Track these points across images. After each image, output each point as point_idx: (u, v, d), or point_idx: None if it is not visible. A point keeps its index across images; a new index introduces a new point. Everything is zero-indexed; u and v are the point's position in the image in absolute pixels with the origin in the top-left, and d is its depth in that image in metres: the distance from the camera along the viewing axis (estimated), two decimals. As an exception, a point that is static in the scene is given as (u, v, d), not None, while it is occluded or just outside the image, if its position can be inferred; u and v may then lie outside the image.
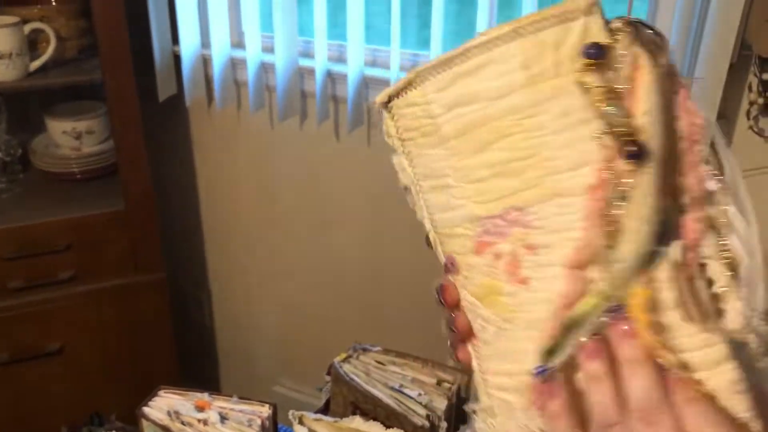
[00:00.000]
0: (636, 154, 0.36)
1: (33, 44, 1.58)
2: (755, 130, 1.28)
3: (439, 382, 1.00)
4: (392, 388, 0.97)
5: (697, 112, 0.38)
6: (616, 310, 0.38)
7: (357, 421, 0.91)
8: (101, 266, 1.68)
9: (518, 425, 0.43)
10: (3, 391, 1.68)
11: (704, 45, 1.22)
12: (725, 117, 1.30)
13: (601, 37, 0.37)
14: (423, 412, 0.93)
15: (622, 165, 0.37)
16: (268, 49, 1.65)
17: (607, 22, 0.38)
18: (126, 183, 1.62)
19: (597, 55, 0.37)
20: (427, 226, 0.46)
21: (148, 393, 0.98)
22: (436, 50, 1.44)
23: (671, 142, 0.38)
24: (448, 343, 0.48)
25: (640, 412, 0.37)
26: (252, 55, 1.63)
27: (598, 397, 0.38)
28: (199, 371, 2.24)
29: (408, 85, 0.42)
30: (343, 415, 0.96)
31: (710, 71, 1.21)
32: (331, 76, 1.61)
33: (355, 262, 1.83)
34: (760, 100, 1.22)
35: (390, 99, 0.44)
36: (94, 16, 1.48)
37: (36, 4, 1.59)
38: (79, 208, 1.64)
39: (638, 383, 0.37)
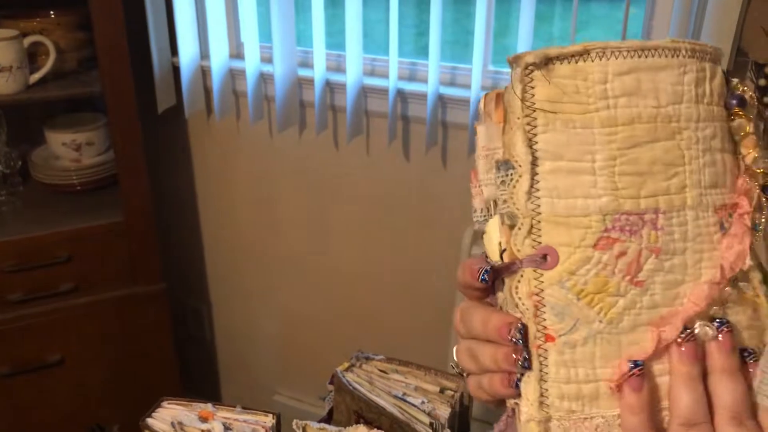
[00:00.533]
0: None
1: (32, 57, 1.58)
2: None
3: (442, 390, 1.00)
4: (395, 397, 0.97)
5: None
6: (721, 323, 0.41)
7: (361, 429, 0.91)
8: (101, 278, 1.68)
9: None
10: (4, 404, 1.67)
11: (701, 51, 1.23)
12: (723, 123, 1.30)
13: (723, 89, 0.43)
14: (426, 420, 0.93)
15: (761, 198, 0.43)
16: (267, 60, 1.66)
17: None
18: (126, 194, 1.63)
19: (740, 104, 0.43)
20: (522, 209, 0.42)
21: (149, 404, 0.98)
22: (434, 59, 1.44)
23: None
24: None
25: (731, 412, 0.39)
26: (251, 65, 1.64)
27: (692, 395, 0.40)
28: (199, 382, 2.23)
29: (583, 54, 0.41)
30: (346, 425, 0.96)
31: (707, 77, 1.22)
32: (329, 86, 1.62)
33: (354, 270, 1.84)
34: (758, 107, 1.22)
35: (547, 62, 0.41)
36: (93, 28, 1.49)
37: (35, 17, 1.60)
38: (79, 219, 1.64)
39: (729, 387, 0.40)
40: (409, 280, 1.76)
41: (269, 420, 0.96)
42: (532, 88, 0.41)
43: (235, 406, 0.97)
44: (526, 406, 0.42)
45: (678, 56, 0.41)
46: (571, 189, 0.41)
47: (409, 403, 0.96)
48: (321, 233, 1.84)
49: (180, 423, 0.94)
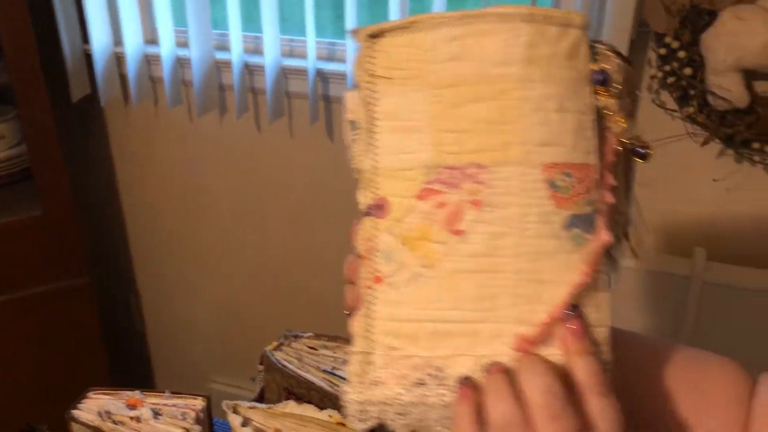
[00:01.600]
0: (642, 154, 0.48)
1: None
2: (657, 102, 1.35)
3: (370, 362, 1.02)
4: (324, 371, 0.99)
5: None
6: (574, 309, 0.44)
7: (291, 406, 0.93)
8: (23, 274, 1.63)
9: (396, 374, 0.45)
10: (-76, 411, 1.61)
11: (606, 24, 1.28)
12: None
13: (585, 53, 0.45)
14: (356, 391, 0.95)
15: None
16: (183, 44, 1.63)
17: (592, 43, 0.45)
18: (42, 187, 1.58)
19: (602, 81, 0.45)
20: (364, 164, 0.47)
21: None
22: (351, 38, 1.45)
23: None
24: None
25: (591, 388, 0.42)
26: (166, 50, 1.61)
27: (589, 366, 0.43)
28: (133, 375, 2.20)
29: (410, 26, 0.45)
30: (277, 402, 0.97)
31: (612, 48, 1.27)
32: (248, 68, 1.61)
33: (284, 252, 1.84)
34: (660, 74, 1.29)
35: (382, 34, 0.46)
36: (-4, 16, 1.43)
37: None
38: (-6, 215, 1.59)
39: (584, 367, 0.43)
40: (338, 258, 1.77)
41: (199, 403, 0.96)
42: (373, 57, 0.46)
43: (164, 392, 0.97)
44: (355, 339, 0.47)
45: (508, 22, 0.43)
46: (401, 146, 0.45)
47: (338, 376, 0.98)
48: (247, 216, 1.83)
49: (107, 412, 0.93)
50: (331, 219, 1.74)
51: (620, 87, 0.45)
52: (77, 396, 0.98)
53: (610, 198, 0.44)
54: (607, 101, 0.45)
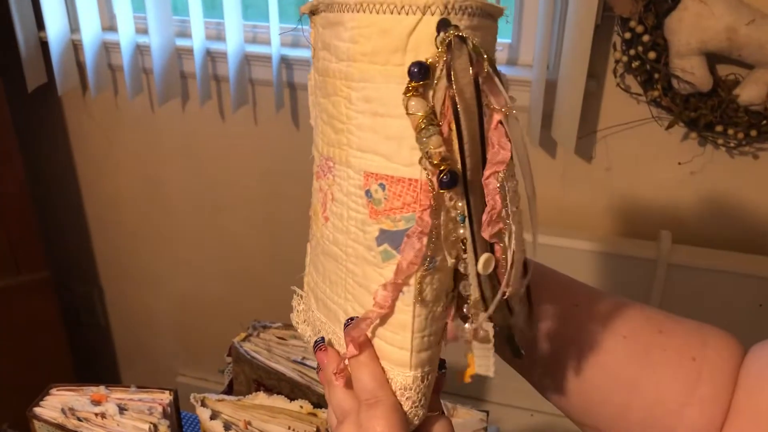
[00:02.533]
0: (446, 182, 0.37)
1: None
2: (622, 86, 1.35)
3: (340, 351, 1.01)
4: (294, 361, 0.98)
5: (504, 143, 0.38)
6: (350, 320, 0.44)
7: (260, 397, 0.91)
8: (-22, 270, 1.58)
9: (304, 319, 0.55)
10: None
11: (570, 9, 1.28)
12: (595, 76, 1.37)
13: (426, 46, 0.36)
14: (326, 381, 0.94)
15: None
16: (142, 31, 1.59)
17: (441, 27, 0.36)
18: (-2, 179, 1.53)
19: (420, 76, 0.36)
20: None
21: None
22: (315, 24, 1.43)
23: (474, 170, 0.38)
24: None
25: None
26: (125, 37, 1.56)
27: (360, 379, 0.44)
28: (97, 371, 2.16)
29: (332, 4, 0.41)
30: (246, 394, 0.96)
31: (578, 34, 1.27)
32: (210, 55, 1.58)
33: (249, 242, 1.81)
34: (624, 58, 1.29)
35: (317, 11, 0.43)
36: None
37: None
38: (-53, 209, 1.54)
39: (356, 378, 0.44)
40: (304, 246, 1.76)
41: (166, 397, 0.94)
42: (311, 35, 0.46)
43: (129, 386, 0.95)
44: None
45: (349, 11, 0.38)
46: (317, 127, 0.47)
47: (309, 366, 0.97)
48: (211, 206, 1.80)
49: (71, 409, 0.90)
50: (297, 207, 1.71)
51: (453, 81, 0.36)
52: (38, 394, 0.95)
53: (426, 219, 0.38)
54: (433, 100, 0.37)
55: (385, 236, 0.40)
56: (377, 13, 0.37)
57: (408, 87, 0.37)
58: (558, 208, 1.51)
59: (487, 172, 0.38)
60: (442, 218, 0.39)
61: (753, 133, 1.25)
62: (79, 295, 2.04)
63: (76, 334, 1.91)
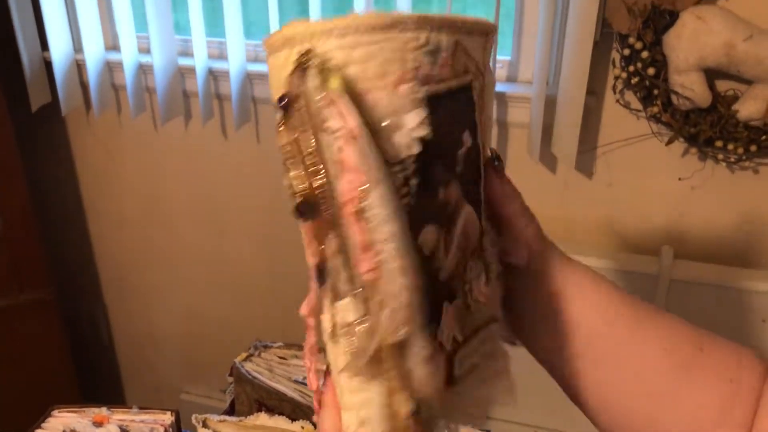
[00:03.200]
0: (300, 212, 0.38)
1: None
2: (622, 103, 1.36)
3: (342, 370, 1.01)
4: (296, 381, 0.98)
5: (356, 167, 0.35)
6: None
7: (262, 418, 0.91)
8: (-18, 289, 1.59)
9: None
10: None
11: (569, 26, 1.29)
12: (595, 92, 1.37)
13: (288, 75, 0.36)
14: (328, 401, 0.94)
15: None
16: (145, 50, 1.60)
17: (302, 56, 0.35)
18: (2, 199, 1.54)
19: (283, 109, 0.36)
20: None
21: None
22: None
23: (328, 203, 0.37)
24: None
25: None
26: (128, 57, 1.58)
27: None
28: (101, 389, 2.16)
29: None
30: (248, 414, 0.96)
31: (577, 50, 1.28)
32: (212, 74, 1.59)
33: (252, 260, 1.82)
34: (624, 74, 1.30)
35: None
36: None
37: None
38: (-48, 229, 1.55)
39: None
40: (306, 265, 1.76)
41: (168, 418, 0.94)
42: None
43: (131, 407, 0.95)
44: None
45: (272, 54, 0.37)
46: None
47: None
48: (215, 225, 1.81)
49: (73, 431, 0.91)
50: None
51: (301, 109, 0.35)
52: (42, 413, 0.95)
53: (311, 261, 0.41)
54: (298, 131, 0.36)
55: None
56: (270, 54, 0.37)
57: (278, 122, 0.36)
58: (559, 223, 1.52)
59: (342, 201, 0.36)
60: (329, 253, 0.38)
61: (753, 148, 1.26)
62: (82, 313, 2.04)
63: (79, 352, 1.91)
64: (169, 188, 1.80)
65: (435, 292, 0.40)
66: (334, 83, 0.35)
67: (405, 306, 0.35)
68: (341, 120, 0.35)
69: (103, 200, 1.89)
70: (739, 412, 0.47)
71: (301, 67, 0.35)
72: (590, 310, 0.49)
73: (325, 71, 0.35)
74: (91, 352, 2.08)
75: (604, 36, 1.32)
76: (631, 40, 1.25)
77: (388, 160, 0.36)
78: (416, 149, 0.37)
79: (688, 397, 0.47)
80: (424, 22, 0.38)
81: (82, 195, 1.90)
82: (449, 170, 0.42)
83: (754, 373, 0.48)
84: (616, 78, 1.33)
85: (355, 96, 0.35)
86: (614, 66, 1.33)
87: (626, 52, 1.27)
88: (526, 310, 0.51)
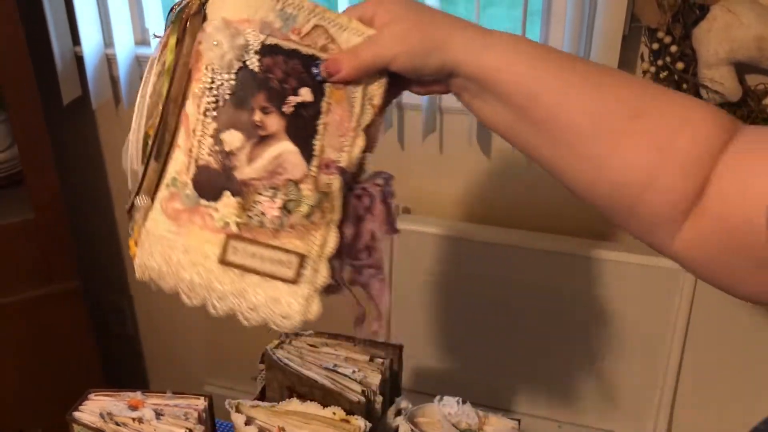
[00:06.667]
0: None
1: None
2: (650, 97, 1.36)
3: (371, 359, 1.01)
4: (327, 369, 0.99)
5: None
6: None
7: (294, 404, 0.92)
8: (12, 278, 1.61)
9: None
10: None
11: (598, 19, 1.29)
12: (622, 87, 1.37)
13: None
14: (359, 388, 0.95)
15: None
16: (174, 45, 1.62)
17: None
18: (33, 191, 1.56)
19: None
20: None
21: (73, 404, 0.95)
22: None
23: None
24: None
25: None
26: (158, 51, 1.60)
27: None
28: (126, 379, 2.18)
29: None
30: (279, 401, 0.97)
31: (605, 44, 1.28)
32: (240, 69, 1.60)
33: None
34: (652, 69, 1.29)
35: None
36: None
37: None
38: (-17, 220, 1.57)
39: None
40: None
41: (201, 403, 0.95)
42: None
43: (165, 392, 0.96)
44: None
45: None
46: None
47: (341, 373, 0.98)
48: (242, 219, 1.82)
49: (109, 413, 0.92)
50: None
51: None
52: (72, 400, 0.97)
53: None
54: None
55: None
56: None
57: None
58: (582, 215, 1.51)
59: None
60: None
61: (783, 142, 1.25)
62: (108, 304, 2.07)
63: (104, 343, 1.93)
64: (195, 182, 1.82)
65: (225, 180, 0.59)
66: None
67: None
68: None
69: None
70: (668, 179, 0.51)
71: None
72: (516, 90, 0.54)
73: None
74: (116, 342, 2.11)
75: (633, 30, 1.32)
76: (660, 34, 1.25)
77: (219, 69, 0.58)
78: (234, 71, 0.57)
79: (616, 161, 0.52)
80: (303, 11, 0.57)
81: (110, 188, 1.93)
82: (273, 104, 0.58)
83: (698, 140, 0.51)
84: (645, 72, 1.33)
85: (220, 18, 0.57)
86: (642, 60, 1.33)
87: (655, 46, 1.27)
88: (481, 115, 0.59)
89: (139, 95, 0.63)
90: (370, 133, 0.59)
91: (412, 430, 0.91)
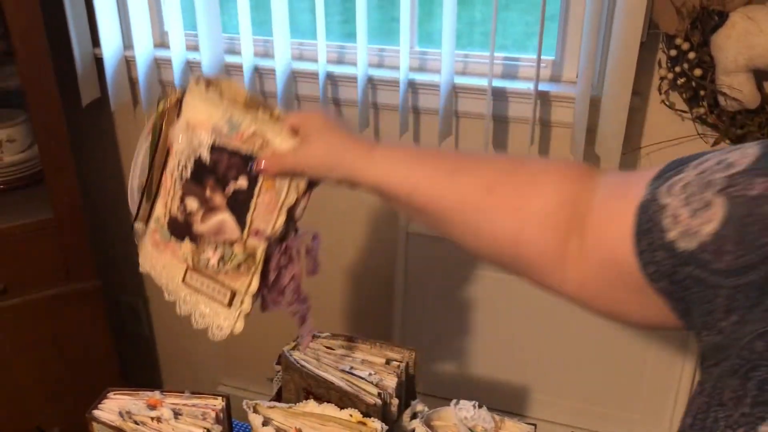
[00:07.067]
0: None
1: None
2: (667, 103, 1.35)
3: (387, 361, 1.02)
4: (343, 371, 0.99)
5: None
6: None
7: (311, 405, 0.93)
8: (32, 277, 1.63)
9: None
10: (-65, 414, 1.61)
11: (616, 27, 1.29)
12: (639, 93, 1.37)
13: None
14: (375, 391, 0.96)
15: None
16: (193, 48, 1.64)
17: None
18: (53, 190, 1.58)
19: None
20: None
21: (91, 403, 0.96)
22: (362, 40, 1.46)
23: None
24: None
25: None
26: (176, 54, 1.61)
27: None
28: (140, 379, 2.20)
29: None
30: (295, 402, 0.97)
31: (623, 50, 1.28)
32: (258, 72, 1.62)
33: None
34: (670, 75, 1.29)
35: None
36: (7, 20, 1.43)
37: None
38: (4, 219, 1.59)
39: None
40: (350, 260, 1.78)
41: (219, 403, 0.96)
42: None
43: (183, 392, 0.97)
44: None
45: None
46: None
47: (357, 375, 0.99)
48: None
49: (128, 412, 0.93)
50: (345, 218, 1.74)
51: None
52: (89, 398, 0.98)
53: None
54: None
55: None
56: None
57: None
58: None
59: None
60: None
61: (801, 150, 1.24)
62: (124, 305, 2.09)
63: (120, 343, 1.95)
64: (212, 183, 1.83)
65: (186, 229, 0.81)
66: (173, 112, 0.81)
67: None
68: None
69: (147, 194, 1.93)
70: (531, 234, 0.61)
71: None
72: (398, 190, 0.68)
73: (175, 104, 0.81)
74: (131, 343, 2.12)
75: (650, 36, 1.32)
76: (678, 40, 1.25)
77: (182, 156, 0.79)
78: (193, 159, 0.78)
79: (486, 229, 0.64)
80: (246, 107, 0.76)
81: (126, 190, 1.94)
82: (219, 186, 0.77)
83: (550, 196, 0.61)
84: (662, 79, 1.33)
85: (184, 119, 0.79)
86: (660, 67, 1.33)
87: (673, 52, 1.27)
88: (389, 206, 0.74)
89: (134, 158, 0.87)
90: (295, 210, 0.77)
91: (428, 433, 0.91)
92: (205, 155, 0.77)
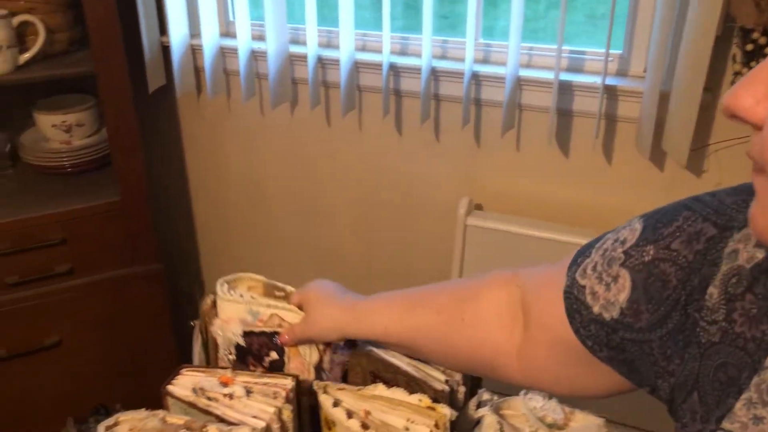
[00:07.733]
0: None
1: (20, 38, 1.57)
2: (739, 100, 1.32)
3: (454, 349, 1.02)
4: (410, 356, 1.00)
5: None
6: None
7: (380, 388, 0.93)
8: (98, 258, 1.67)
9: None
10: (2, 387, 1.67)
11: (690, 20, 1.27)
12: (710, 88, 1.34)
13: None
14: (442, 377, 0.96)
15: None
16: (257, 37, 1.66)
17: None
18: (121, 173, 1.62)
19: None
20: None
21: (149, 384, 1.00)
22: (427, 32, 1.46)
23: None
24: None
25: None
26: (242, 43, 1.64)
27: None
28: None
29: None
30: (362, 385, 0.98)
31: (696, 44, 1.25)
32: (321, 62, 1.63)
33: (347, 247, 1.86)
34: (744, 71, 1.27)
35: None
36: (84, 7, 1.47)
37: (22, -4, 1.58)
38: (73, 201, 1.63)
39: None
40: (404, 254, 1.78)
41: (289, 382, 0.97)
42: None
43: (254, 370, 0.99)
44: None
45: None
46: None
47: (423, 362, 0.99)
48: (312, 210, 1.85)
49: (201, 389, 0.95)
50: (399, 215, 1.75)
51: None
52: (146, 380, 1.03)
53: None
54: None
55: None
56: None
57: None
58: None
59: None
60: None
61: None
62: (182, 290, 2.13)
63: (176, 327, 1.98)
64: (269, 172, 1.86)
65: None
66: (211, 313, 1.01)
67: None
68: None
69: (207, 180, 1.96)
70: (494, 337, 0.75)
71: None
72: (380, 334, 0.88)
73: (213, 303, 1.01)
74: (186, 327, 2.16)
75: (726, 30, 1.29)
76: (756, 35, 1.22)
77: (224, 346, 1.00)
78: (233, 346, 0.99)
79: (448, 344, 0.81)
80: (265, 292, 1.02)
81: (188, 176, 1.98)
82: (257, 361, 0.98)
83: (491, 303, 0.76)
84: (736, 74, 1.30)
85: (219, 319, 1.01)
86: (734, 62, 1.30)
87: (749, 47, 1.24)
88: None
89: (194, 349, 1.08)
90: (321, 365, 0.96)
91: (498, 422, 0.91)
92: (241, 341, 0.98)
